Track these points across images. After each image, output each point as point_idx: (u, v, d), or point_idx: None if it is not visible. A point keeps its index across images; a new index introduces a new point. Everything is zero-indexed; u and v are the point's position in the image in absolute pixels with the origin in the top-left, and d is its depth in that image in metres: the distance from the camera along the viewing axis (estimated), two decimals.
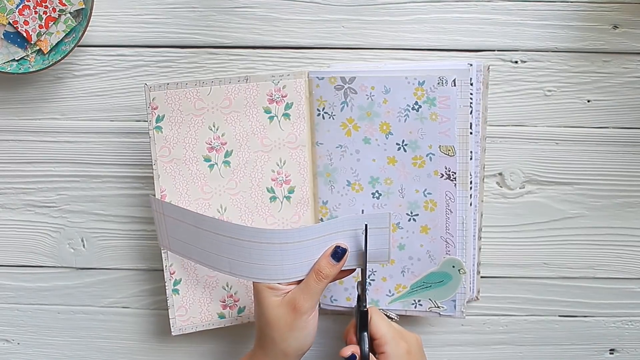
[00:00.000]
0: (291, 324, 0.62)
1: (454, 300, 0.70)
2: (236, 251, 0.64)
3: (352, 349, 0.64)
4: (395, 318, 0.70)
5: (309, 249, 0.63)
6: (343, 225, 0.63)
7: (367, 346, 0.64)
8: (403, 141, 0.68)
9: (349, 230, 0.63)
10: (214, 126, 0.68)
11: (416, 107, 0.67)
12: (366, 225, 0.62)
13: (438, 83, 0.66)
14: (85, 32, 0.69)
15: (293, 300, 0.62)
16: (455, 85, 0.66)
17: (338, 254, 0.63)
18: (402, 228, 0.70)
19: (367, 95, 0.68)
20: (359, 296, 0.65)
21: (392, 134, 0.68)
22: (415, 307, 0.71)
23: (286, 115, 0.69)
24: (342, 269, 0.64)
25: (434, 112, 0.67)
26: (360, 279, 0.66)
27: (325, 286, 0.63)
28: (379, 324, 0.64)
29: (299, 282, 0.63)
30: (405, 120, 0.68)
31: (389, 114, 0.68)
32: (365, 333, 0.64)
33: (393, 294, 0.71)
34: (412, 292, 0.71)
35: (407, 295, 0.71)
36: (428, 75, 0.67)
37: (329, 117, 0.69)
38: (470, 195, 0.68)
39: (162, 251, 0.70)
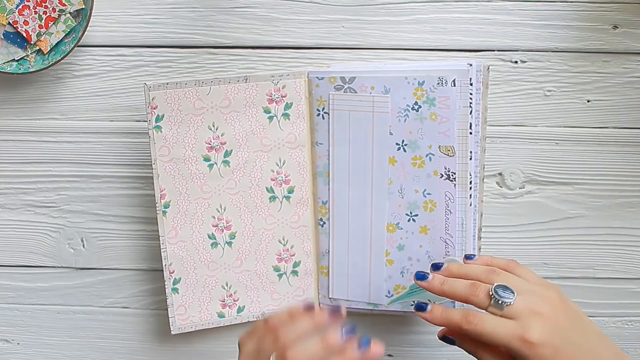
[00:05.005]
0: None
1: (453, 302, 0.69)
2: None
3: None
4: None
5: None
6: None
7: None
8: (403, 141, 0.68)
9: None
10: (213, 126, 0.68)
11: (416, 107, 0.67)
12: None
13: (438, 83, 0.66)
14: (85, 32, 0.69)
15: None
16: (455, 86, 0.66)
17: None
18: (401, 229, 0.70)
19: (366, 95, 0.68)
20: None
21: (392, 134, 0.68)
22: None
23: (285, 115, 0.69)
24: None
25: (434, 112, 0.67)
26: None
27: None
28: None
29: None
30: (405, 120, 0.68)
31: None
32: None
33: (392, 295, 0.71)
34: (411, 293, 0.70)
35: (406, 296, 0.71)
36: (428, 75, 0.66)
37: (329, 117, 0.69)
38: (470, 195, 0.68)
39: (162, 250, 0.70)
